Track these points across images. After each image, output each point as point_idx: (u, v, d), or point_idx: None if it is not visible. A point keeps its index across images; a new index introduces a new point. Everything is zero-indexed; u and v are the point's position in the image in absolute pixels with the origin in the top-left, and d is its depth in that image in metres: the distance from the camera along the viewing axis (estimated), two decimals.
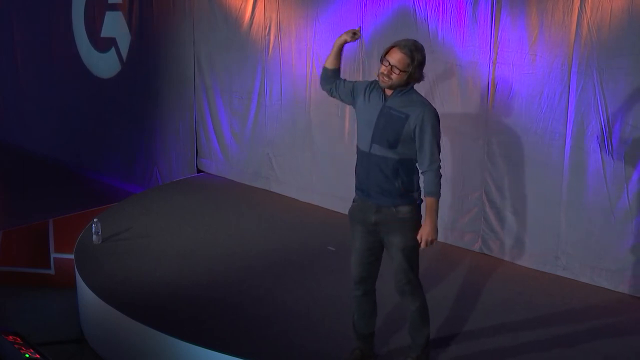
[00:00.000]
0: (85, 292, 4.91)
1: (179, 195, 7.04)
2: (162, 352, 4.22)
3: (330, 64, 3.72)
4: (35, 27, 10.38)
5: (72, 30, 9.52)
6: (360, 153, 3.60)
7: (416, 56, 3.41)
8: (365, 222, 3.60)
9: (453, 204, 5.43)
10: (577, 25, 4.63)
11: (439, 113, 3.53)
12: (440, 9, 5.31)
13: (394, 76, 3.42)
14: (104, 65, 9.05)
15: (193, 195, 7.01)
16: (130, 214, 6.40)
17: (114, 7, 8.64)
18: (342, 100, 3.74)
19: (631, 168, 4.52)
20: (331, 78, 3.72)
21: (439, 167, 3.51)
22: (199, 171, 7.79)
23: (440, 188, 3.51)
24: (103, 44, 8.98)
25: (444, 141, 5.17)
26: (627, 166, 4.53)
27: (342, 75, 3.76)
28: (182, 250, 5.53)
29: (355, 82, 3.69)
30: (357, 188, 3.64)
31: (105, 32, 8.89)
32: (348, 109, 6.08)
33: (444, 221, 5.33)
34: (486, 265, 5.20)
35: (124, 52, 8.62)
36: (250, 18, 6.86)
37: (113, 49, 8.79)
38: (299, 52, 6.49)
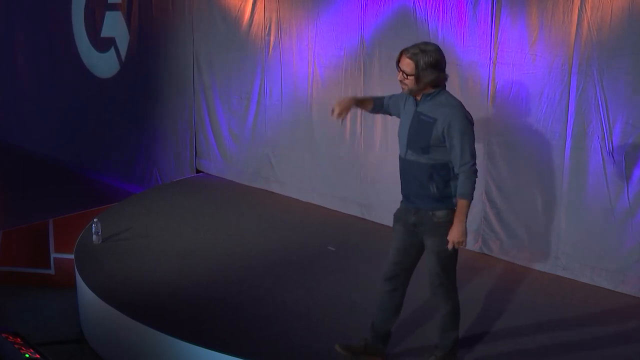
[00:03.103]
0: (85, 292, 4.91)
1: (179, 195, 7.04)
2: (162, 352, 4.22)
3: (367, 109, 3.82)
4: (35, 27, 10.37)
5: (72, 30, 9.52)
6: (399, 159, 3.64)
7: (421, 58, 3.41)
8: (406, 222, 3.65)
9: None
10: (577, 25, 4.63)
11: None
12: (440, 8, 5.31)
13: (407, 81, 3.46)
14: (103, 65, 9.06)
15: (193, 195, 7.01)
16: (130, 214, 6.40)
17: (113, 7, 8.64)
18: (397, 115, 3.76)
19: (631, 168, 4.51)
20: (378, 108, 3.80)
21: (471, 168, 3.45)
22: (197, 172, 7.79)
23: (471, 190, 3.47)
24: (103, 44, 8.98)
25: None
26: (627, 166, 4.53)
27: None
28: (182, 250, 5.53)
29: (395, 95, 3.73)
30: (401, 192, 3.69)
31: (105, 32, 8.90)
32: None
33: None
34: (486, 265, 5.20)
35: (123, 52, 8.62)
36: (250, 18, 6.86)
37: (112, 48, 8.80)
38: (300, 52, 6.49)
